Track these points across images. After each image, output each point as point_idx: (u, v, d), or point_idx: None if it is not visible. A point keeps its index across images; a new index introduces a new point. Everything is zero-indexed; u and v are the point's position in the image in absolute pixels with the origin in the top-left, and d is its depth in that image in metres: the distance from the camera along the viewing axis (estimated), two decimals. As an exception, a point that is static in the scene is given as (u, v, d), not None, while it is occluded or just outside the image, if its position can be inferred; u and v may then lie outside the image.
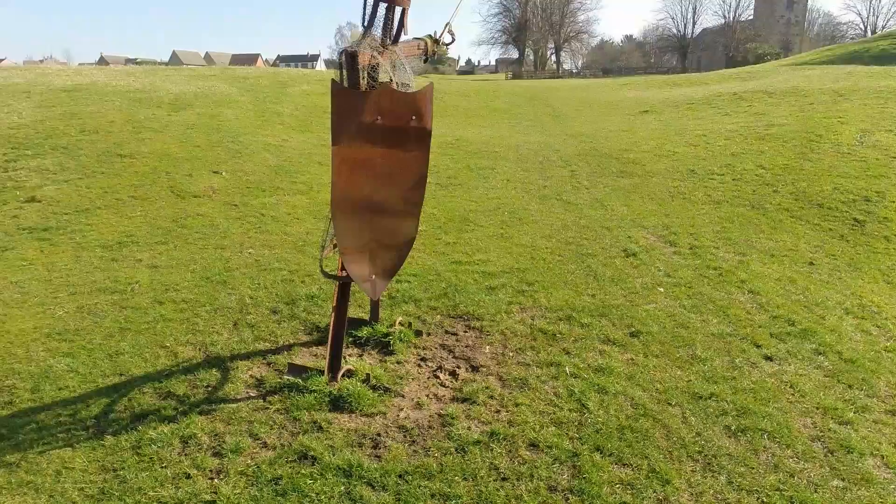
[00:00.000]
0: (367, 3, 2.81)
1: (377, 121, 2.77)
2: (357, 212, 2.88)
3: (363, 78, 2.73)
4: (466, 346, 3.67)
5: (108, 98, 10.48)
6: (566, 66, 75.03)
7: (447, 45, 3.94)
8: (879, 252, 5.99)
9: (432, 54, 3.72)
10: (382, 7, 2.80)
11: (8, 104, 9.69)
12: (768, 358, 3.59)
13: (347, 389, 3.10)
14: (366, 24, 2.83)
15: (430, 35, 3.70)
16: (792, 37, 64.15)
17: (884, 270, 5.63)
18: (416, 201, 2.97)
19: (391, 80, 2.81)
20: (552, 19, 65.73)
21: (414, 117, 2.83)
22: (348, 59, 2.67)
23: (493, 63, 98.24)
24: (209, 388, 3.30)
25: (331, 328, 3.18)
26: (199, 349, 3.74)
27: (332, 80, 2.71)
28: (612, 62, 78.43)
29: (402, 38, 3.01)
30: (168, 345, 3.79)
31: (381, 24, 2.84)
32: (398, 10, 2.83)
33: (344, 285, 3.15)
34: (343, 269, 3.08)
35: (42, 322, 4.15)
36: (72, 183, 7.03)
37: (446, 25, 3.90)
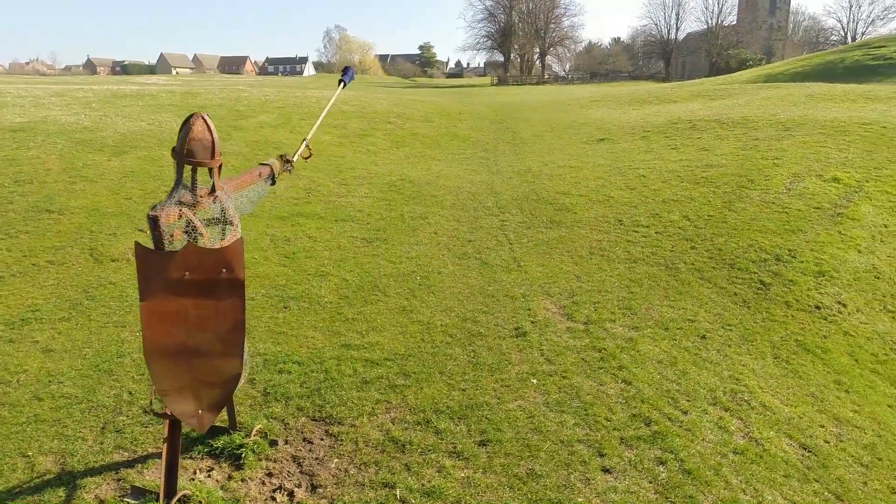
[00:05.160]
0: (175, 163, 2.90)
1: (185, 276, 2.85)
2: (171, 356, 2.96)
3: (168, 236, 2.82)
4: (316, 459, 3.76)
5: (52, 139, 10.51)
6: (554, 69, 75.28)
7: (305, 158, 4.04)
8: (777, 321, 6.13)
9: (284, 171, 3.81)
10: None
11: (-53, 149, 9.71)
12: (606, 470, 3.69)
13: (177, 521, 3.20)
14: (175, 181, 2.91)
15: (281, 155, 3.79)
16: (775, 41, 64.56)
17: (775, 343, 5.76)
18: (236, 342, 3.06)
19: (202, 235, 2.90)
20: (537, 25, 65.89)
21: (224, 269, 2.92)
22: (151, 223, 2.76)
23: (481, 65, 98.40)
24: (50, 514, 3.38)
25: (163, 458, 3.27)
26: (58, 459, 3.81)
27: (136, 242, 2.80)
28: (599, 65, 78.80)
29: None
30: (30, 454, 3.86)
31: (191, 183, 2.92)
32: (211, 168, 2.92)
33: (174, 421, 3.23)
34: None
35: (-80, 424, 4.22)
36: (-7, 245, 7.08)
37: (303, 142, 4.00)
